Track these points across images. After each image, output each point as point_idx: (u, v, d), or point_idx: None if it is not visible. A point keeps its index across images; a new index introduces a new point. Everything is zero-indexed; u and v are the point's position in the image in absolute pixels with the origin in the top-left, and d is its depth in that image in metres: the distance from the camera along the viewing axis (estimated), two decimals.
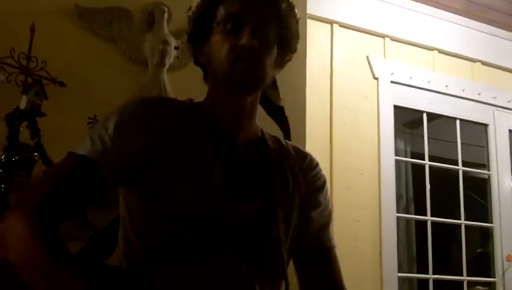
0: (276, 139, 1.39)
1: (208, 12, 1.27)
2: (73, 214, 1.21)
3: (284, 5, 1.29)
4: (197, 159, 1.21)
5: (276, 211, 1.24)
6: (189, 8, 1.30)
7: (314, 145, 3.15)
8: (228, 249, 1.17)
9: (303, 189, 1.34)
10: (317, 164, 1.41)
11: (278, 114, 1.46)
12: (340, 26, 3.79)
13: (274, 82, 1.40)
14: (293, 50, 1.37)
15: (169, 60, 2.81)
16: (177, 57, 2.84)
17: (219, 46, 1.23)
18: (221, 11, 1.25)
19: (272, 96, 1.43)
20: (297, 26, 1.35)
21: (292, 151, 1.38)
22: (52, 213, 1.11)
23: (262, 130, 1.38)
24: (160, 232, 1.17)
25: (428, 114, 4.05)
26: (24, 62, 2.47)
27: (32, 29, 2.47)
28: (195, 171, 1.20)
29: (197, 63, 1.35)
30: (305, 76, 3.06)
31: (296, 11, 1.33)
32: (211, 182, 1.20)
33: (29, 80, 2.44)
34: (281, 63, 1.35)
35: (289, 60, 1.39)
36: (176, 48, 2.84)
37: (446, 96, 4.07)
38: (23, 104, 2.32)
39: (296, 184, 1.32)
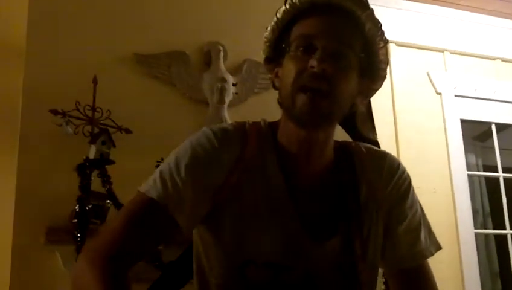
0: (349, 152, 1.25)
1: (283, 34, 1.19)
2: (145, 256, 1.19)
3: (368, 27, 1.15)
4: (271, 200, 1.15)
5: (354, 248, 1.16)
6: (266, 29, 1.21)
7: None
8: None
9: (385, 207, 1.23)
10: (398, 166, 1.26)
11: None
12: (397, 45, 3.75)
13: (369, 113, 1.28)
14: (381, 77, 1.22)
15: (228, 97, 2.85)
16: (236, 93, 2.87)
17: (288, 71, 1.13)
18: (295, 32, 1.16)
19: (364, 128, 1.29)
20: (385, 50, 1.19)
21: (368, 156, 1.25)
22: (123, 260, 1.10)
23: (336, 146, 1.24)
24: (235, 274, 1.13)
25: (497, 125, 3.93)
26: (89, 113, 2.55)
27: (95, 81, 2.56)
28: (269, 213, 1.14)
29: (274, 87, 1.22)
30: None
31: (384, 33, 1.18)
32: (287, 225, 1.14)
33: (96, 130, 2.52)
34: (365, 92, 1.21)
35: (377, 89, 1.24)
36: (233, 84, 2.87)
37: None
38: (92, 154, 2.39)
39: (375, 206, 1.22)
